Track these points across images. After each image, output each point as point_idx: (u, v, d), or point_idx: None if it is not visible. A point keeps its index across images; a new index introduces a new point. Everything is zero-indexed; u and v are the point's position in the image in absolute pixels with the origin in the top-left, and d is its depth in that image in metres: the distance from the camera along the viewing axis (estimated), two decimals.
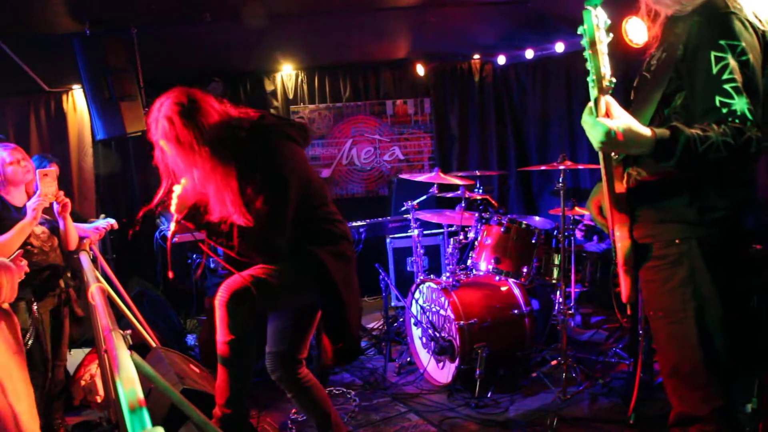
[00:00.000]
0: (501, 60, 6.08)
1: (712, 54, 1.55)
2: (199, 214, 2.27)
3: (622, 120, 1.51)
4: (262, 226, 2.18)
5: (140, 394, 0.97)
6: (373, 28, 5.15)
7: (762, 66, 1.60)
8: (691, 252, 1.63)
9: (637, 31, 3.89)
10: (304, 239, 2.30)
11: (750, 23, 1.59)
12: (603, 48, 1.46)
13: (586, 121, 1.54)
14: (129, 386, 0.97)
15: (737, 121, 1.50)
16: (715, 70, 1.54)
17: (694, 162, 1.51)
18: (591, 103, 1.53)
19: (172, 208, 2.21)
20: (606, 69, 1.48)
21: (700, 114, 1.58)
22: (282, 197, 2.19)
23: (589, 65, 1.48)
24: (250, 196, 2.19)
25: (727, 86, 1.52)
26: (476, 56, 6.21)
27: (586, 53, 1.47)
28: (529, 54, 5.78)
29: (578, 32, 1.47)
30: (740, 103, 1.51)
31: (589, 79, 1.50)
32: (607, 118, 1.51)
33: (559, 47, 5.49)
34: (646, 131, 1.51)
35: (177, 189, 2.20)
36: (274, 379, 2.50)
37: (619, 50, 4.49)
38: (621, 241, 1.74)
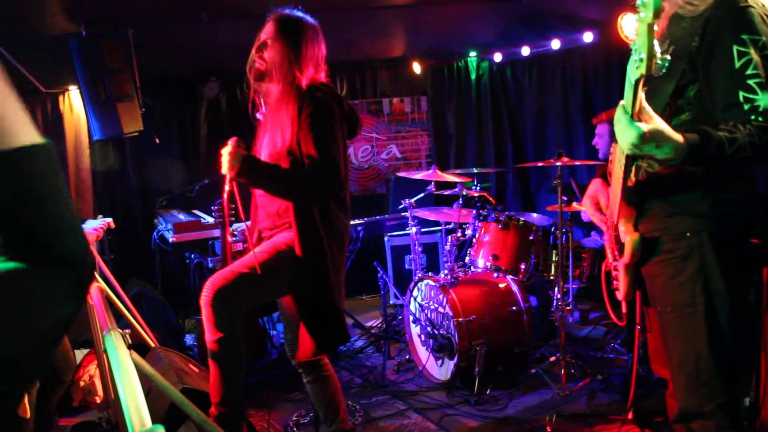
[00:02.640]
0: (497, 57, 6.07)
1: (735, 48, 1.51)
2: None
3: (654, 123, 1.44)
4: (315, 163, 2.23)
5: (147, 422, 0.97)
6: (369, 27, 5.14)
7: None
8: (702, 245, 1.61)
9: (632, 27, 3.89)
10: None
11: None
12: (656, 26, 1.35)
13: (620, 119, 1.45)
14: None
15: (761, 118, 1.48)
16: (738, 64, 1.51)
17: (721, 164, 1.48)
18: (624, 101, 1.44)
19: (224, 169, 2.22)
20: (658, 48, 1.35)
21: (722, 109, 1.55)
22: (332, 140, 2.27)
23: (638, 41, 1.34)
24: (300, 138, 2.27)
25: (751, 81, 1.49)
26: (472, 54, 6.20)
27: (641, 27, 1.33)
28: (525, 51, 5.78)
29: (637, 3, 1.33)
30: (764, 99, 1.48)
31: (634, 58, 1.37)
32: (641, 122, 1.42)
33: (555, 44, 5.49)
34: (678, 136, 1.45)
35: (226, 150, 2.21)
36: (294, 365, 2.54)
37: (615, 45, 4.53)
38: (628, 234, 1.73)
